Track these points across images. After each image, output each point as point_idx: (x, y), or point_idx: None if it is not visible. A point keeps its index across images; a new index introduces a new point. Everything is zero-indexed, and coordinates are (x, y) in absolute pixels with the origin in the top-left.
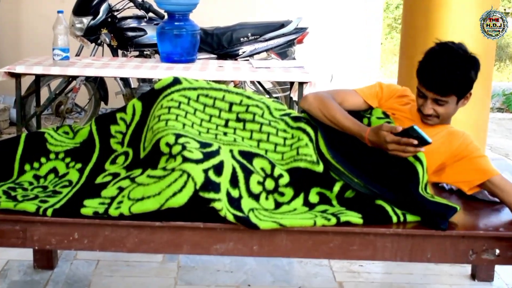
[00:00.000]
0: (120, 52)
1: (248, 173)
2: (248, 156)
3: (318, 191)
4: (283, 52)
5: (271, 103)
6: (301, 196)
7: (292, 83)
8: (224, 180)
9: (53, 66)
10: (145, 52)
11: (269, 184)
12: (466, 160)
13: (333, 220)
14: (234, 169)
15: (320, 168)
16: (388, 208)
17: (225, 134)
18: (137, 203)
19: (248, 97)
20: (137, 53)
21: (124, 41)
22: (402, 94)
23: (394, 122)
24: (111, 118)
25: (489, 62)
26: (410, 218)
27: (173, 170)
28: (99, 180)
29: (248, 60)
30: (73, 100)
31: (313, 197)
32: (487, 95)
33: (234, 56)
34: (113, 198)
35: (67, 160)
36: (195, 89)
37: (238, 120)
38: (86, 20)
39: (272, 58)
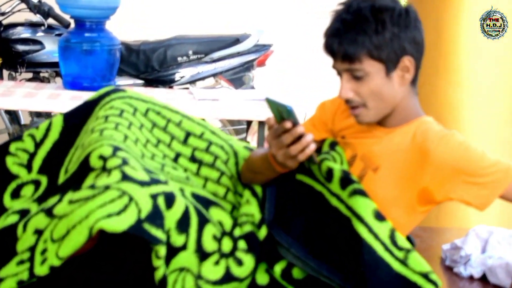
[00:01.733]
0: (5, 73)
1: (203, 220)
2: (204, 202)
3: (266, 267)
4: (238, 78)
5: (240, 149)
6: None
7: (249, 123)
8: (170, 218)
9: None
10: (41, 74)
11: (226, 244)
12: (463, 179)
13: None
14: (187, 208)
15: (262, 233)
16: None
17: (174, 168)
18: (63, 242)
19: (213, 132)
20: (30, 75)
21: (12, 58)
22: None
23: (344, 151)
24: (14, 138)
25: None
26: None
27: (107, 188)
28: (0, 224)
29: (188, 88)
30: None
31: (261, 277)
32: None
33: (168, 82)
34: (33, 249)
35: None
36: (144, 101)
37: (193, 159)
38: None
39: (222, 86)
